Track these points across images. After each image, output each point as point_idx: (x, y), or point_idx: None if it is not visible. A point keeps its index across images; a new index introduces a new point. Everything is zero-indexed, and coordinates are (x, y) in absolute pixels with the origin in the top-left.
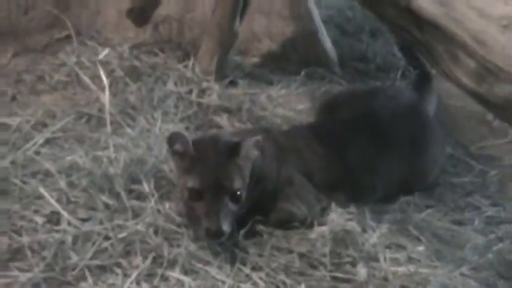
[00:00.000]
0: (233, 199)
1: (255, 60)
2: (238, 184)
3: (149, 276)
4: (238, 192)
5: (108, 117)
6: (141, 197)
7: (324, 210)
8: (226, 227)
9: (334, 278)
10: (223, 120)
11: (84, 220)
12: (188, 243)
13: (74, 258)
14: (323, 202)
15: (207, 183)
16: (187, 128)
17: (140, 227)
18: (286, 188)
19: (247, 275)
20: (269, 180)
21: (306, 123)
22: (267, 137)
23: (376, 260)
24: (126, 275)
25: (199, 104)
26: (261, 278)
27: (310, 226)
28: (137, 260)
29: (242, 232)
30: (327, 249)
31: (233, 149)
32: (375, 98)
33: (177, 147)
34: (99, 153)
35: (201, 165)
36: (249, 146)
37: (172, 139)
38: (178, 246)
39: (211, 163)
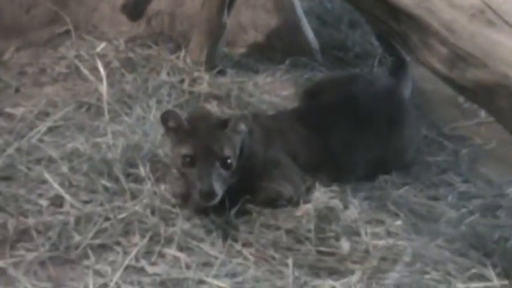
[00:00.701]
0: (224, 165)
1: (242, 50)
2: (228, 152)
3: (147, 253)
4: (229, 160)
5: (106, 106)
6: (138, 180)
7: (309, 189)
8: (218, 188)
9: (319, 252)
10: (213, 107)
11: (85, 202)
12: (183, 222)
13: (77, 238)
14: (308, 182)
15: (199, 150)
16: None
17: (138, 208)
18: (273, 169)
19: (238, 251)
20: (257, 159)
21: (291, 108)
22: (254, 120)
23: (358, 234)
24: (125, 253)
25: (190, 93)
26: (251, 254)
27: (296, 204)
28: (136, 238)
29: (233, 211)
30: (312, 225)
31: (223, 122)
32: (354, 83)
33: (171, 123)
34: (98, 139)
35: (193, 136)
36: (237, 121)
37: (166, 116)
38: (174, 225)
39: (203, 133)
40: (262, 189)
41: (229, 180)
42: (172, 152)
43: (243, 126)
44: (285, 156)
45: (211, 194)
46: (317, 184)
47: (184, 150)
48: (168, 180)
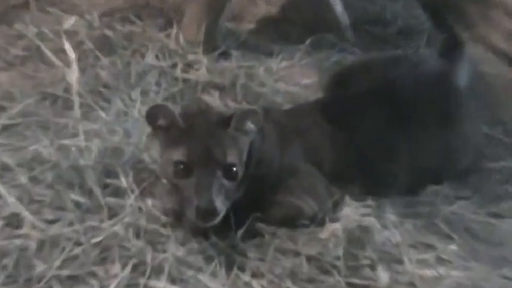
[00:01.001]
0: (227, 175)
1: (251, 26)
2: (233, 158)
3: (129, 286)
4: (234, 168)
5: (76, 99)
6: (118, 193)
7: (336, 205)
8: (220, 204)
9: (350, 285)
10: (214, 99)
11: (50, 222)
12: (176, 247)
13: (40, 267)
14: (335, 194)
15: (196, 155)
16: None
17: (118, 229)
18: (290, 179)
19: (246, 283)
20: (270, 167)
21: (313, 100)
22: (266, 117)
23: (400, 262)
24: (102, 287)
25: (185, 81)
26: (262, 286)
27: (320, 223)
28: (115, 268)
29: (239, 232)
30: (340, 251)
31: (226, 120)
32: (394, 68)
33: (161, 121)
34: (67, 141)
35: (188, 137)
36: (244, 117)
37: (154, 112)
38: (164, 251)
39: (201, 134)
40: (276, 205)
41: (235, 193)
42: (161, 157)
43: (251, 125)
44: (305, 162)
45: (211, 211)
46: (347, 198)
47: (177, 155)
48: (156, 193)
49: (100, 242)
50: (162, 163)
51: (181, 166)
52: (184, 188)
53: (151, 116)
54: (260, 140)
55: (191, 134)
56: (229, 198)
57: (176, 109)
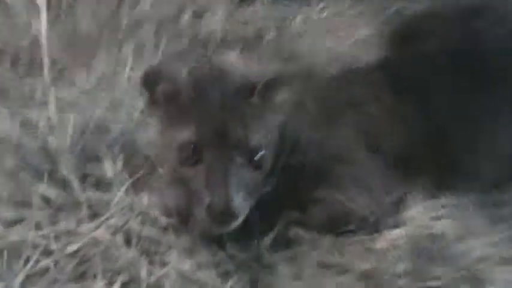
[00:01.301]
0: (251, 162)
1: None
2: (258, 138)
3: None
4: (259, 153)
5: (46, 58)
6: (102, 185)
7: (399, 204)
8: (239, 202)
9: None
10: (233, 59)
11: (9, 224)
12: (180, 259)
13: None
14: (397, 190)
15: (208, 135)
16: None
17: (102, 234)
18: (337, 168)
19: None
20: (309, 152)
21: (369, 62)
22: (305, 84)
23: (483, 282)
24: None
25: (193, 35)
26: None
27: (376, 229)
28: (98, 286)
29: (267, 240)
30: (402, 266)
31: (249, 88)
32: (477, 19)
33: (161, 89)
34: (33, 115)
35: (198, 110)
36: (274, 85)
37: (151, 78)
38: (164, 263)
39: (215, 106)
40: (317, 204)
41: (260, 187)
42: (161, 138)
43: (284, 95)
44: (359, 147)
45: (227, 211)
46: (413, 195)
47: (183, 135)
48: (154, 186)
49: (77, 251)
50: (162, 146)
51: (188, 150)
52: (191, 180)
53: (148, 82)
54: (296, 117)
55: (201, 106)
56: (253, 193)
57: (181, 72)
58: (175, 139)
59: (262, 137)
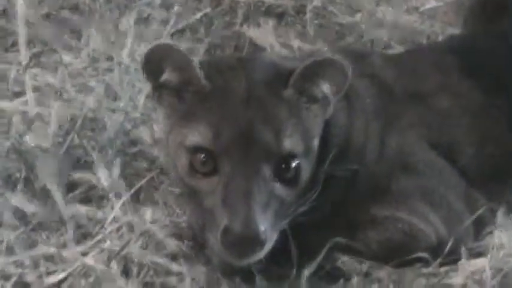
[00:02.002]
0: (282, 174)
1: None
2: (293, 143)
3: None
4: (295, 162)
5: (23, 30)
6: (93, 197)
7: (482, 225)
8: (267, 226)
9: None
10: (264, 33)
11: None
12: None
13: None
14: (479, 206)
15: (227, 138)
16: (189, 52)
17: (93, 261)
18: (400, 179)
19: None
20: (363, 159)
21: (442, 40)
22: (359, 69)
23: None
24: None
25: (214, 2)
26: None
27: (452, 258)
28: None
29: (307, 271)
30: None
31: (283, 76)
32: None
33: (169, 76)
34: (6, 104)
35: (215, 105)
36: (316, 71)
37: (157, 60)
38: None
39: (237, 100)
40: (374, 225)
41: (296, 206)
42: (168, 138)
43: (328, 85)
44: (427, 149)
45: (248, 238)
46: (501, 212)
47: (194, 137)
48: (160, 199)
49: (61, 282)
50: (170, 149)
51: (202, 156)
52: (205, 194)
53: (153, 64)
54: (346, 112)
55: (220, 100)
56: (286, 214)
57: (195, 54)
58: (185, 142)
59: (297, 142)
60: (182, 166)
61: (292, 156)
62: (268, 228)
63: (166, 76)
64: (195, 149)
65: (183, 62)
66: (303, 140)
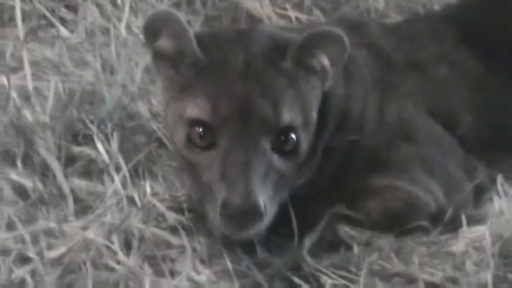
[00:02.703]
0: (282, 146)
1: None
2: (292, 115)
3: None
4: (293, 135)
5: (18, 4)
6: (92, 171)
7: (481, 192)
8: (266, 199)
9: None
10: (261, 4)
11: None
12: (195, 268)
13: None
14: (478, 174)
15: (225, 110)
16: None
17: (93, 235)
18: (399, 146)
19: None
20: (362, 126)
21: (440, 9)
22: (357, 38)
23: None
24: None
25: None
26: None
27: (452, 226)
28: None
29: (308, 241)
30: (489, 274)
31: (280, 48)
32: None
33: (165, 44)
34: (3, 78)
35: (212, 76)
36: (313, 43)
37: (155, 25)
38: (174, 273)
39: (235, 72)
40: (374, 194)
41: (295, 178)
42: (166, 111)
43: (325, 57)
44: (428, 119)
45: (248, 211)
46: (499, 179)
47: (192, 109)
48: (161, 169)
49: (62, 257)
50: (168, 122)
51: (199, 129)
52: (204, 168)
53: (151, 30)
54: (343, 82)
55: (217, 73)
56: (285, 187)
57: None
58: (183, 115)
59: (296, 114)
60: (180, 140)
61: (291, 128)
62: (267, 201)
63: (162, 43)
64: (193, 122)
65: (179, 31)
66: (301, 112)
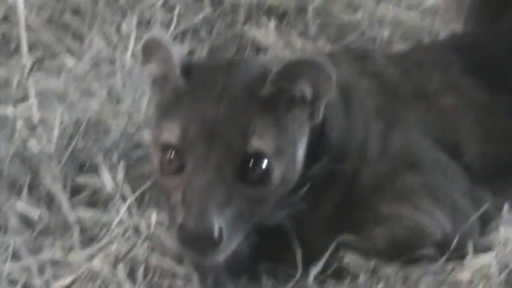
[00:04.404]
0: (249, 174)
1: None
2: (264, 143)
3: None
4: (263, 162)
5: (24, 34)
6: (98, 201)
7: (487, 221)
8: (221, 225)
9: None
10: (267, 33)
11: None
12: None
13: None
14: (484, 203)
15: (193, 134)
16: (191, 53)
17: (99, 265)
18: (405, 174)
19: None
20: (365, 155)
21: (445, 37)
22: (361, 67)
23: None
24: None
25: (216, 2)
26: None
27: (458, 254)
28: None
29: (313, 271)
30: None
31: (264, 77)
32: None
33: (156, 66)
34: (8, 110)
35: (188, 103)
36: (296, 72)
37: (147, 49)
38: None
39: (209, 98)
40: (379, 222)
41: (275, 208)
42: (152, 135)
43: (312, 85)
44: (434, 148)
45: (203, 234)
46: (506, 208)
47: (166, 134)
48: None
49: (68, 287)
50: (152, 147)
51: (170, 154)
52: (172, 193)
53: (143, 55)
54: (343, 114)
55: (194, 98)
56: (251, 215)
57: (180, 49)
58: (159, 138)
59: (269, 141)
60: (155, 165)
61: (260, 155)
62: (226, 227)
63: (152, 66)
64: (165, 147)
65: (166, 57)
66: (275, 140)
